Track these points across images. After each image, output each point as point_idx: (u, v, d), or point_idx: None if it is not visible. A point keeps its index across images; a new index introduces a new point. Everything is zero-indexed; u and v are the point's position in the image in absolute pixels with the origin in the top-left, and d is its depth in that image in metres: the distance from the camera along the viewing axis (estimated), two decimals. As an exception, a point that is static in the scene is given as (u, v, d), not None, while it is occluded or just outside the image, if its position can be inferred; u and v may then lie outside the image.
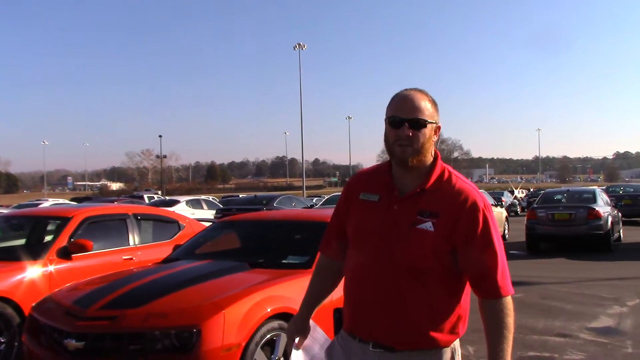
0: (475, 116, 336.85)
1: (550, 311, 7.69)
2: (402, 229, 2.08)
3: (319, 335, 2.50)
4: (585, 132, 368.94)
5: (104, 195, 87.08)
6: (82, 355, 3.91)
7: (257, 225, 6.19)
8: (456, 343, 2.19)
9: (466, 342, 6.26)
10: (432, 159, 2.18)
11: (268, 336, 4.07)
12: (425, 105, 2.13)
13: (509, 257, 14.02)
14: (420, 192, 2.12)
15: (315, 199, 33.60)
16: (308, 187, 74.40)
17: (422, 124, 2.10)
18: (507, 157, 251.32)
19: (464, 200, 2.08)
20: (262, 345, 4.03)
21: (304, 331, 2.53)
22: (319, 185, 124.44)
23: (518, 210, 33.53)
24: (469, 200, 2.08)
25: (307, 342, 2.51)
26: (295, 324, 2.55)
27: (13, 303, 5.37)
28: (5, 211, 8.50)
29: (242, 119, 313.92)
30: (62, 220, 6.40)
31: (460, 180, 2.16)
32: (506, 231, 18.17)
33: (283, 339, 4.18)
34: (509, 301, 2.08)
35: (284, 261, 5.13)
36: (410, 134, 2.09)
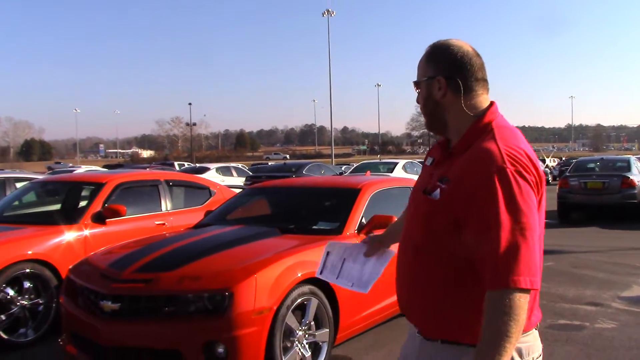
0: (506, 83, 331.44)
1: (581, 280, 7.63)
2: (418, 197, 1.87)
3: (369, 263, 2.36)
4: (620, 99, 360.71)
5: (135, 162, 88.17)
6: (118, 317, 4.02)
7: (288, 191, 6.23)
8: (523, 344, 1.74)
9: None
10: (470, 116, 1.83)
11: (299, 300, 4.12)
12: (420, 62, 1.91)
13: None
14: (447, 156, 1.85)
15: (344, 167, 33.56)
16: (337, 155, 74.36)
17: (415, 86, 1.93)
18: (539, 125, 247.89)
19: (475, 161, 1.70)
20: (293, 309, 4.08)
21: (373, 244, 2.39)
22: (347, 153, 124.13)
23: (550, 179, 33.11)
24: (480, 162, 1.68)
25: (354, 256, 2.40)
26: (375, 237, 2.45)
27: (50, 266, 5.51)
28: (41, 177, 8.64)
29: (271, 86, 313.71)
30: (96, 185, 6.51)
31: (491, 141, 1.73)
32: (537, 200, 17.89)
33: (314, 303, 4.24)
34: (509, 296, 1.56)
35: (314, 227, 5.17)
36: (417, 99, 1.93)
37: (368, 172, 13.81)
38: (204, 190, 7.70)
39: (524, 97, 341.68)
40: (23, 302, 5.35)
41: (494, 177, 1.63)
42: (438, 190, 1.76)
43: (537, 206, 1.69)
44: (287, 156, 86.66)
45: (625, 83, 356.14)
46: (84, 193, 6.83)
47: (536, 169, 1.70)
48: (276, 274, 4.01)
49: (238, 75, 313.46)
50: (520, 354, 1.73)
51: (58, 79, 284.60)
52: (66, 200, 7.04)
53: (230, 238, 4.74)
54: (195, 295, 3.88)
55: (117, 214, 6.09)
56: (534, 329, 1.79)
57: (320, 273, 2.42)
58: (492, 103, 1.88)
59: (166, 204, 6.96)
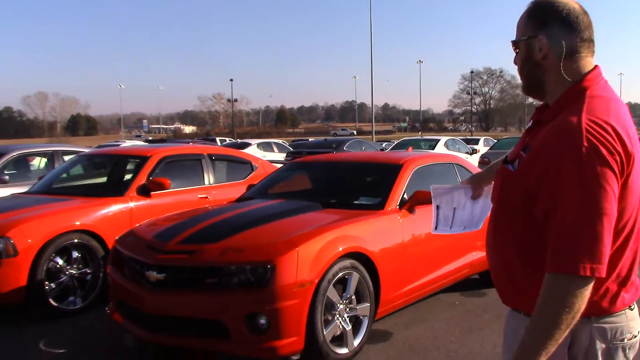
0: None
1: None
2: (500, 168, 1.83)
3: (471, 204, 2.39)
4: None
5: (178, 138, 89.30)
6: (162, 287, 4.11)
7: (329, 166, 6.23)
8: (608, 324, 1.66)
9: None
10: (568, 81, 1.71)
11: (340, 274, 4.14)
12: (520, 20, 1.78)
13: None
14: (537, 123, 1.77)
15: (385, 143, 33.37)
16: (377, 132, 73.90)
17: (514, 46, 1.80)
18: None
19: (553, 135, 1.60)
20: (334, 283, 4.10)
21: (476, 185, 2.39)
22: (388, 130, 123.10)
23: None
24: (557, 137, 1.58)
25: (459, 197, 2.41)
26: (476, 175, 2.44)
27: (97, 236, 5.65)
28: (87, 150, 8.84)
29: (312, 63, 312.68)
30: (141, 159, 6.62)
31: (576, 113, 1.60)
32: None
33: (355, 277, 4.26)
34: (565, 282, 1.50)
35: (355, 202, 5.16)
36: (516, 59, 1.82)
37: (410, 148, 13.70)
38: (246, 165, 7.76)
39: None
40: (72, 271, 5.52)
41: (568, 155, 1.53)
42: (517, 160, 1.70)
43: (618, 188, 1.55)
44: (355, 132, 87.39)
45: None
46: (129, 166, 6.96)
47: (624, 146, 1.56)
48: (318, 248, 4.03)
49: (279, 51, 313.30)
50: (603, 335, 1.65)
51: (103, 55, 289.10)
52: (112, 173, 7.19)
53: (272, 211, 4.77)
54: (237, 268, 3.93)
55: (161, 186, 6.19)
56: (626, 309, 1.69)
57: (435, 229, 2.45)
58: (594, 67, 1.73)
59: (209, 178, 7.04)
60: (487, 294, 6.00)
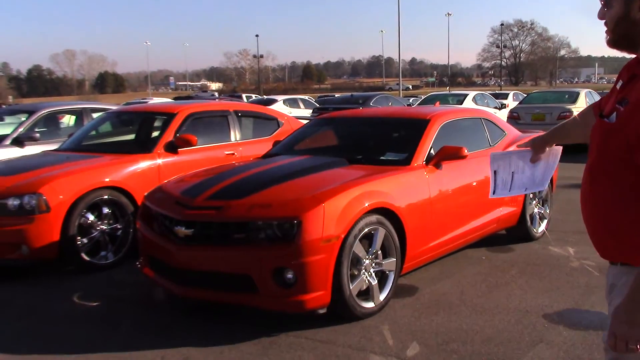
0: (584, 11, 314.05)
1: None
2: (596, 121, 1.87)
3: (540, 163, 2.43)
4: None
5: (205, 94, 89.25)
6: (191, 242, 4.17)
7: (355, 122, 6.19)
8: None
9: (567, 243, 6.16)
10: None
11: (366, 230, 4.16)
12: None
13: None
14: (632, 77, 1.78)
15: (412, 99, 32.99)
16: (404, 88, 73.06)
17: (603, 1, 1.78)
18: (620, 55, 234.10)
19: None
20: (360, 239, 4.12)
21: (538, 147, 2.44)
22: (415, 85, 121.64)
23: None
24: None
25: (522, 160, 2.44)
26: (537, 139, 2.47)
27: (127, 193, 5.74)
28: (115, 107, 8.91)
29: (337, 17, 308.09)
30: (167, 116, 6.65)
31: None
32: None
33: (381, 232, 4.27)
34: None
35: (382, 158, 5.14)
36: (603, 16, 1.80)
37: (437, 103, 13.55)
38: (272, 121, 7.75)
39: (603, 25, 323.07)
40: (102, 227, 5.63)
41: None
42: (615, 113, 1.73)
43: None
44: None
45: None
46: (157, 124, 7.00)
47: None
48: (344, 204, 4.04)
49: (304, 6, 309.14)
50: None
51: (129, 11, 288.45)
52: (139, 130, 7.24)
53: (298, 168, 4.78)
54: (264, 223, 3.97)
55: (188, 143, 6.22)
56: None
57: (493, 193, 2.48)
58: None
59: (235, 135, 7.05)
60: (513, 249, 5.98)
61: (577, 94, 15.58)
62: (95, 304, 4.78)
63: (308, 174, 4.60)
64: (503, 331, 3.99)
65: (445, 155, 4.90)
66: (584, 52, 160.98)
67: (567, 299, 4.57)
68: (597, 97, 16.89)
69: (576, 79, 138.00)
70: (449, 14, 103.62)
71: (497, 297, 4.66)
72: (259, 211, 4.01)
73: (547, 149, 2.42)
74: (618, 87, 1.87)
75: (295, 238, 3.83)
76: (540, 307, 4.41)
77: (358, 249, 4.12)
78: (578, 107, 14.79)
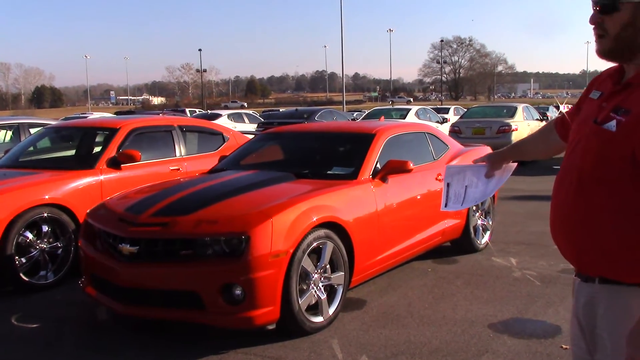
0: (521, 28, 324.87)
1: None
2: (587, 128, 1.79)
3: (494, 179, 2.45)
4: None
5: (146, 109, 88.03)
6: (136, 259, 4.08)
7: (302, 136, 6.20)
8: None
9: (509, 254, 6.31)
10: None
11: (315, 244, 4.16)
12: None
13: (553, 171, 13.73)
14: (624, 86, 1.76)
15: (356, 113, 33.31)
16: (348, 102, 73.71)
17: (610, 5, 1.69)
18: (553, 72, 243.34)
19: None
20: (309, 253, 4.12)
21: (494, 163, 2.45)
22: (358, 100, 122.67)
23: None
24: None
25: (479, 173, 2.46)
26: (494, 155, 2.49)
27: (67, 210, 5.57)
28: (54, 123, 8.66)
29: (281, 32, 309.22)
30: (110, 131, 6.50)
31: None
32: (551, 146, 17.82)
33: (329, 247, 4.29)
34: None
35: (329, 172, 5.17)
36: (601, 20, 1.73)
37: (382, 118, 13.73)
38: (218, 136, 7.68)
39: (538, 43, 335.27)
40: (42, 245, 5.44)
41: None
42: (614, 121, 1.68)
43: None
44: (411, 100, 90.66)
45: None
46: (98, 139, 6.84)
47: None
48: (292, 218, 4.03)
49: (248, 21, 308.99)
50: None
51: (67, 24, 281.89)
52: (80, 146, 7.05)
53: (245, 183, 4.75)
54: (212, 239, 3.92)
55: (131, 159, 6.10)
56: None
57: (445, 206, 2.48)
58: None
59: (180, 150, 6.96)
60: (458, 260, 6.09)
61: (515, 108, 16.08)
62: (35, 325, 4.61)
63: (255, 189, 4.58)
64: (450, 342, 4.04)
65: (391, 169, 4.97)
66: (520, 68, 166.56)
67: (511, 309, 4.67)
68: (534, 112, 17.49)
69: (513, 94, 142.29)
70: (390, 30, 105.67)
71: (444, 308, 4.73)
72: (206, 227, 3.97)
73: (505, 165, 2.45)
74: (595, 97, 1.86)
75: (243, 254, 3.80)
76: (485, 317, 4.50)
77: (307, 263, 4.12)
78: (516, 121, 15.26)
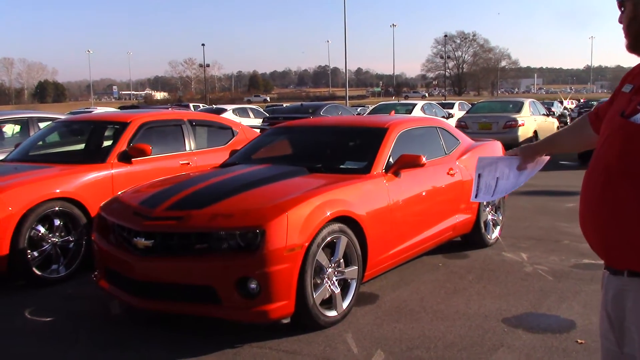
0: (525, 23, 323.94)
1: (604, 221, 7.60)
2: (616, 121, 1.83)
3: (526, 171, 2.46)
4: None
5: (149, 104, 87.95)
6: (151, 253, 4.08)
7: (314, 131, 6.19)
8: None
9: (519, 249, 6.30)
10: None
11: (329, 238, 4.16)
12: None
13: (560, 167, 13.66)
14: None
15: (360, 108, 33.26)
16: (351, 97, 73.55)
17: (619, 5, 1.84)
18: (557, 67, 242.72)
19: None
20: (323, 247, 4.12)
21: (527, 156, 2.47)
22: (361, 95, 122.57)
23: (568, 120, 32.65)
24: None
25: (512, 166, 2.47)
26: (527, 148, 2.50)
27: (79, 204, 5.57)
28: (64, 117, 8.65)
29: (284, 27, 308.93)
30: (120, 125, 6.50)
31: None
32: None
33: (343, 241, 4.28)
34: None
35: (341, 166, 5.16)
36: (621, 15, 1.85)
37: (393, 112, 13.72)
38: (227, 130, 7.68)
39: (542, 38, 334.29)
40: (54, 239, 5.45)
41: None
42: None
43: None
44: (426, 94, 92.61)
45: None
46: (108, 133, 6.84)
47: None
48: (307, 212, 4.03)
49: (251, 15, 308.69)
50: None
51: (70, 19, 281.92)
52: (90, 140, 7.05)
53: (259, 177, 4.74)
54: (227, 233, 3.92)
55: (142, 153, 6.10)
56: None
57: (476, 197, 2.49)
58: None
59: (190, 144, 6.96)
60: (469, 255, 6.09)
61: (522, 103, 16.05)
62: (48, 319, 4.62)
63: (269, 183, 4.58)
64: (465, 336, 4.04)
65: (404, 163, 4.96)
66: (523, 64, 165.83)
67: (524, 303, 4.67)
68: (541, 107, 17.45)
69: (516, 89, 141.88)
70: (394, 25, 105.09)
71: (456, 302, 4.73)
72: (221, 221, 3.96)
73: (538, 158, 2.47)
74: (627, 90, 1.89)
75: (258, 248, 3.80)
76: (498, 311, 4.50)
77: (321, 257, 4.12)
78: (523, 117, 15.22)
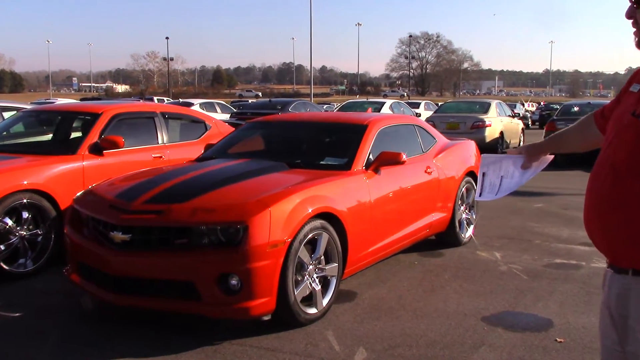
0: (487, 26, 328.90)
1: (572, 221, 7.74)
2: (624, 120, 1.82)
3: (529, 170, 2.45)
4: (598, 45, 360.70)
5: (110, 97, 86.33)
6: (128, 248, 3.97)
7: (292, 126, 6.12)
8: None
9: (492, 247, 6.35)
10: None
11: (310, 235, 4.10)
12: None
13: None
14: None
15: (326, 106, 33.26)
16: (315, 95, 73.54)
17: (636, 5, 1.80)
18: (517, 70, 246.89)
19: None
20: (304, 244, 4.06)
21: (532, 155, 2.45)
22: (325, 92, 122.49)
23: (529, 123, 33.36)
24: None
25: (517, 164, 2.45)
26: (532, 146, 2.48)
27: (48, 196, 5.40)
28: (30, 106, 8.37)
29: (248, 23, 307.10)
30: (92, 116, 6.31)
31: None
32: (521, 143, 18.14)
33: (324, 238, 4.24)
34: None
35: (321, 162, 5.11)
36: (634, 12, 1.82)
37: (370, 110, 13.72)
38: (200, 124, 7.54)
39: (504, 41, 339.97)
40: (22, 232, 5.26)
41: None
42: None
43: None
44: (259, 93, 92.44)
45: (603, 29, 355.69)
46: (78, 124, 6.66)
47: None
48: (290, 208, 3.97)
49: (215, 10, 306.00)
50: None
51: (29, 7, 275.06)
52: (59, 131, 6.85)
53: (238, 171, 4.66)
54: (208, 228, 3.84)
55: (115, 145, 5.94)
56: None
57: (480, 195, 2.45)
58: None
59: (162, 137, 6.80)
60: (443, 254, 6.11)
61: (489, 104, 16.26)
62: (17, 314, 4.46)
63: (249, 177, 4.50)
64: (445, 334, 4.04)
65: (385, 160, 4.94)
66: (485, 66, 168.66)
67: (501, 302, 4.69)
68: (507, 108, 17.70)
69: (478, 91, 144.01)
70: (359, 24, 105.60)
71: (435, 300, 4.73)
72: (203, 215, 3.88)
73: (542, 157, 2.46)
74: (635, 90, 1.89)
75: (241, 243, 3.73)
76: (477, 310, 4.51)
77: (303, 254, 4.06)
78: (490, 117, 15.41)
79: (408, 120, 6.46)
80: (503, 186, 2.43)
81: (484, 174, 2.46)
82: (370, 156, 5.06)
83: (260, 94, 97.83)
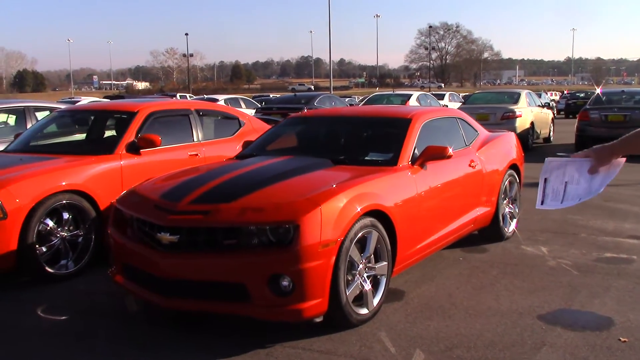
0: (506, 15, 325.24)
1: (616, 213, 7.54)
2: None
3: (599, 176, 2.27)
4: (620, 33, 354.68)
5: (131, 94, 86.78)
6: (177, 249, 3.88)
7: (333, 121, 5.98)
8: None
9: (537, 242, 6.19)
10: None
11: (361, 233, 3.99)
12: None
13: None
14: None
15: (348, 99, 33.06)
16: (334, 88, 73.35)
17: None
18: (538, 59, 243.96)
19: None
20: (354, 242, 3.95)
21: (601, 158, 2.27)
22: (344, 86, 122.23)
23: (555, 112, 32.97)
24: None
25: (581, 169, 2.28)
26: (601, 149, 2.30)
27: (88, 196, 5.34)
28: (65, 106, 8.33)
29: (266, 17, 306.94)
30: (128, 115, 6.24)
31: None
32: (551, 133, 17.82)
33: (374, 236, 4.12)
34: None
35: (366, 158, 4.98)
36: None
37: (408, 102, 13.58)
38: (234, 121, 7.45)
39: (524, 30, 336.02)
40: (63, 233, 5.22)
41: None
42: None
43: None
44: (312, 87, 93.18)
45: (626, 16, 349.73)
46: (113, 122, 6.60)
47: None
48: (340, 206, 3.85)
49: (233, 6, 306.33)
50: None
51: (50, 7, 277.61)
52: (95, 130, 6.80)
53: (283, 169, 4.54)
54: (258, 228, 3.73)
55: (152, 144, 5.87)
56: None
57: (542, 203, 2.26)
58: None
59: (197, 135, 6.72)
60: (487, 249, 5.96)
61: (519, 94, 15.96)
62: (63, 317, 4.41)
63: (295, 175, 4.38)
64: (503, 335, 3.90)
65: (431, 155, 4.80)
66: (505, 55, 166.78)
67: (556, 299, 4.54)
68: (536, 98, 17.39)
69: (498, 81, 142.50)
70: (377, 15, 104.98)
71: (486, 299, 4.59)
72: (252, 215, 3.77)
73: (614, 161, 2.26)
74: None
75: (292, 243, 3.62)
76: (531, 308, 4.37)
77: (354, 253, 3.95)
78: (520, 108, 15.13)
79: (450, 113, 6.29)
80: (568, 193, 2.24)
81: (545, 180, 2.28)
82: (416, 151, 4.92)
83: (312, 87, 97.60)
